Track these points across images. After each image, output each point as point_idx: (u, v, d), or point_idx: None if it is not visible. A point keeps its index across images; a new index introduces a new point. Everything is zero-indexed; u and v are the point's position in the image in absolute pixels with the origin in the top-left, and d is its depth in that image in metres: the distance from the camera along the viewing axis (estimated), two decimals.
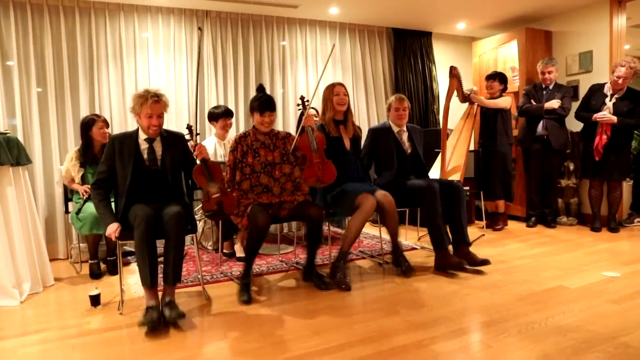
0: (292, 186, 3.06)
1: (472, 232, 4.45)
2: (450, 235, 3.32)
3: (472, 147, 4.54)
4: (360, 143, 3.45)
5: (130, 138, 2.69)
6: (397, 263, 3.23)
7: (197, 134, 2.88)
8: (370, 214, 3.04)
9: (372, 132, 3.59)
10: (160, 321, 2.40)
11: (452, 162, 4.04)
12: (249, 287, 2.85)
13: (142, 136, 2.70)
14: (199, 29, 2.85)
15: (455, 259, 3.23)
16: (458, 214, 3.33)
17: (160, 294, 2.53)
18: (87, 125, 3.49)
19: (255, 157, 2.99)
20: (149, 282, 2.44)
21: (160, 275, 2.57)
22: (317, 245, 3.07)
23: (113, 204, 2.73)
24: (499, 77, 4.42)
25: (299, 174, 3.09)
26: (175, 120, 4.42)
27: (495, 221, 4.59)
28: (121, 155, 2.65)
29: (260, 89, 3.07)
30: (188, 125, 2.88)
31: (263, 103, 2.95)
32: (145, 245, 2.43)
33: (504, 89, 4.49)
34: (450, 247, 3.32)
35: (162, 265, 2.56)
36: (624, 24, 4.57)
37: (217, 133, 4.02)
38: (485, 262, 3.20)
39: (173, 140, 2.79)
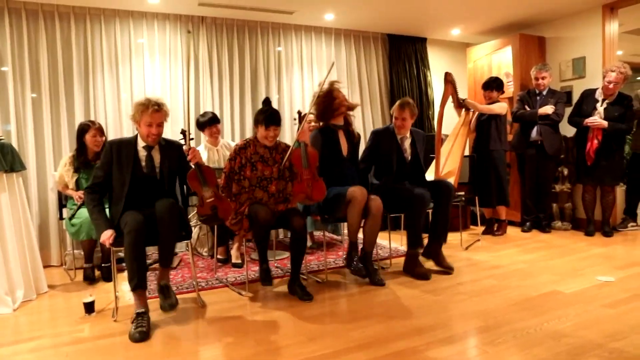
0: (282, 199, 3.04)
1: (467, 237, 4.46)
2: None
3: (466, 152, 4.55)
4: (358, 149, 3.44)
5: (128, 144, 2.70)
6: (366, 272, 3.13)
7: (190, 139, 2.88)
8: (363, 202, 2.99)
9: (375, 134, 3.56)
10: (149, 330, 2.41)
11: (446, 168, 4.05)
12: (268, 272, 2.94)
13: (140, 143, 2.71)
14: (188, 31, 2.85)
15: (423, 269, 3.27)
16: (442, 212, 3.33)
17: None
18: (82, 131, 3.51)
19: (253, 170, 2.97)
20: (136, 285, 2.48)
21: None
22: (299, 256, 2.95)
23: (107, 210, 2.73)
24: (496, 86, 4.44)
25: (290, 191, 3.08)
26: (170, 126, 4.40)
27: (497, 227, 4.59)
28: (119, 161, 2.65)
29: (267, 102, 3.05)
30: (182, 130, 2.88)
31: (269, 117, 2.93)
32: (133, 253, 2.45)
33: (501, 93, 4.53)
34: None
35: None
36: (616, 30, 4.62)
37: (207, 141, 4.02)
38: (449, 270, 3.31)
39: (171, 149, 2.81)
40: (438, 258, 3.36)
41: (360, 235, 3.14)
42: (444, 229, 3.39)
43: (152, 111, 2.60)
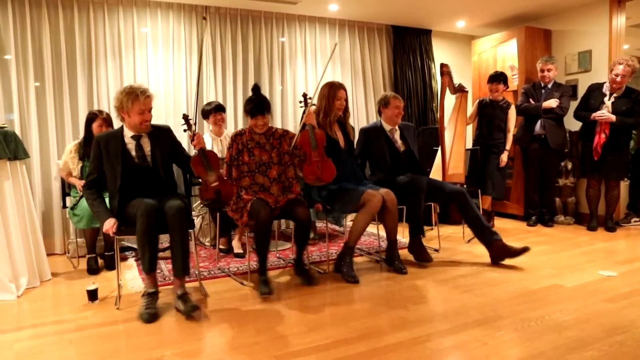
0: (283, 187, 3.05)
1: (469, 230, 4.45)
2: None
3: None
4: (354, 142, 3.47)
5: (115, 137, 2.68)
6: (391, 262, 3.25)
7: (194, 123, 2.88)
8: (376, 211, 3.04)
9: (363, 132, 3.60)
10: (158, 312, 2.48)
11: (451, 163, 4.03)
12: (267, 283, 2.83)
13: (127, 134, 2.68)
14: (204, 18, 2.86)
15: (426, 254, 3.32)
16: (474, 217, 3.36)
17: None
18: (90, 120, 3.55)
19: (250, 156, 3.00)
20: (147, 268, 2.52)
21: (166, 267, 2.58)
22: (304, 245, 3.09)
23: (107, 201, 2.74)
24: (503, 80, 4.45)
25: (292, 174, 3.09)
26: (173, 117, 4.41)
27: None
28: (108, 155, 2.64)
29: (256, 89, 3.04)
30: (184, 115, 2.87)
31: (254, 108, 2.95)
32: (146, 237, 2.48)
33: (506, 88, 4.56)
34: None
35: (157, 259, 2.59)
36: (623, 24, 4.57)
37: (212, 129, 4.02)
38: (525, 249, 3.24)
39: (159, 134, 2.77)
40: (506, 252, 3.28)
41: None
42: (482, 226, 3.35)
43: (144, 98, 2.58)
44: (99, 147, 2.64)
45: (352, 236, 3.14)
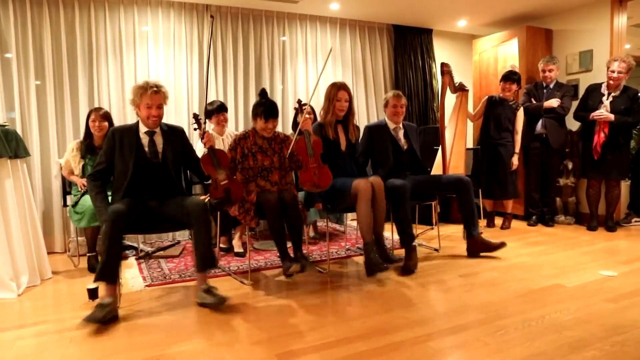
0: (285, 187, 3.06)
1: None
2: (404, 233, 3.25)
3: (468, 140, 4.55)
4: (357, 144, 3.45)
5: (130, 131, 2.70)
6: (382, 255, 3.16)
7: (205, 122, 2.89)
8: (370, 194, 2.99)
9: (368, 129, 3.60)
10: (107, 319, 2.35)
11: (452, 162, 4.04)
12: (293, 260, 2.85)
13: (142, 129, 2.71)
14: (211, 16, 2.94)
15: (414, 261, 3.18)
16: (467, 206, 3.39)
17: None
18: (87, 118, 3.55)
19: (254, 160, 3.01)
20: (108, 277, 2.42)
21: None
22: (298, 229, 2.92)
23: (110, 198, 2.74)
24: (517, 80, 4.40)
25: (291, 180, 3.09)
26: (174, 115, 4.41)
27: (504, 221, 4.61)
28: (121, 148, 2.65)
29: (263, 93, 3.05)
30: (195, 114, 2.89)
31: (268, 110, 2.95)
32: (109, 242, 2.41)
33: (519, 89, 4.55)
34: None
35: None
36: (624, 23, 4.57)
37: (214, 129, 4.02)
38: (502, 244, 3.41)
39: (173, 134, 2.81)
40: (483, 246, 3.44)
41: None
42: (473, 219, 3.42)
43: (151, 93, 2.61)
44: (114, 139, 2.67)
45: (361, 232, 3.06)
